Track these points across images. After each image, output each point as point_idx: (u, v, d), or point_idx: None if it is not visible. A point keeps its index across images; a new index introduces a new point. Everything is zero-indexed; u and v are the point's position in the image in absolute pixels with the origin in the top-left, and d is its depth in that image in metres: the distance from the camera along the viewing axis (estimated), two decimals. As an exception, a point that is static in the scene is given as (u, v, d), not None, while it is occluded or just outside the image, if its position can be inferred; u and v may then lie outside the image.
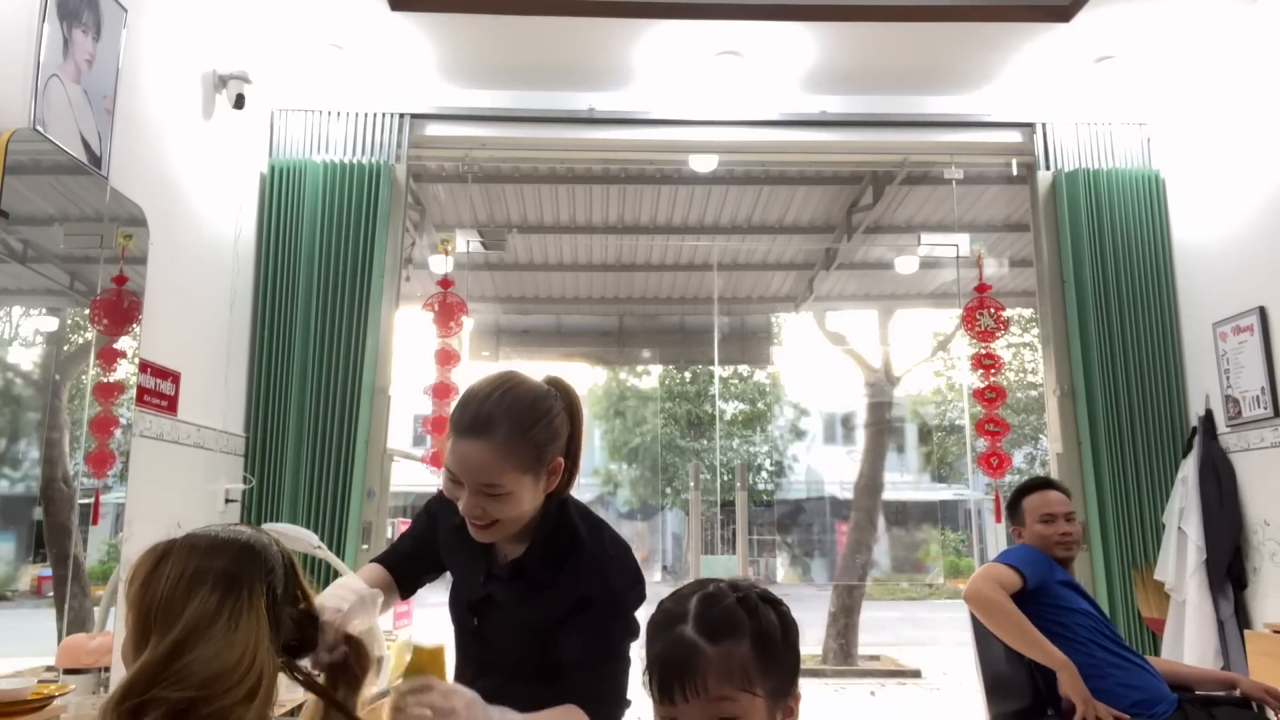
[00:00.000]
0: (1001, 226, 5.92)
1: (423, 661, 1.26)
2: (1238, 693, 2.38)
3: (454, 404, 1.39)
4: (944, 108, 3.90)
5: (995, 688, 2.51)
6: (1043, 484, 2.66)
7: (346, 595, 1.28)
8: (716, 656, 0.97)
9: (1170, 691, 2.35)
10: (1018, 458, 12.02)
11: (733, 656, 0.97)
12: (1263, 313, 3.21)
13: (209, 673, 0.99)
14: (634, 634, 1.39)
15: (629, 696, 1.37)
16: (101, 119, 2.51)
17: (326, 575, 3.24)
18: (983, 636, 2.47)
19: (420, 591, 1.69)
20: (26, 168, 2.17)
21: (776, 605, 1.05)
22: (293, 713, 2.36)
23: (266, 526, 1.35)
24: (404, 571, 1.60)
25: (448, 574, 1.61)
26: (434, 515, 1.59)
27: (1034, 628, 2.30)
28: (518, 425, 1.33)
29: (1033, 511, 2.57)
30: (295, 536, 2.93)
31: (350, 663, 1.19)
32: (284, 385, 3.51)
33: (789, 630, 1.03)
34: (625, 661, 1.38)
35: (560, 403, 1.40)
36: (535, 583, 1.41)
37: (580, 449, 1.44)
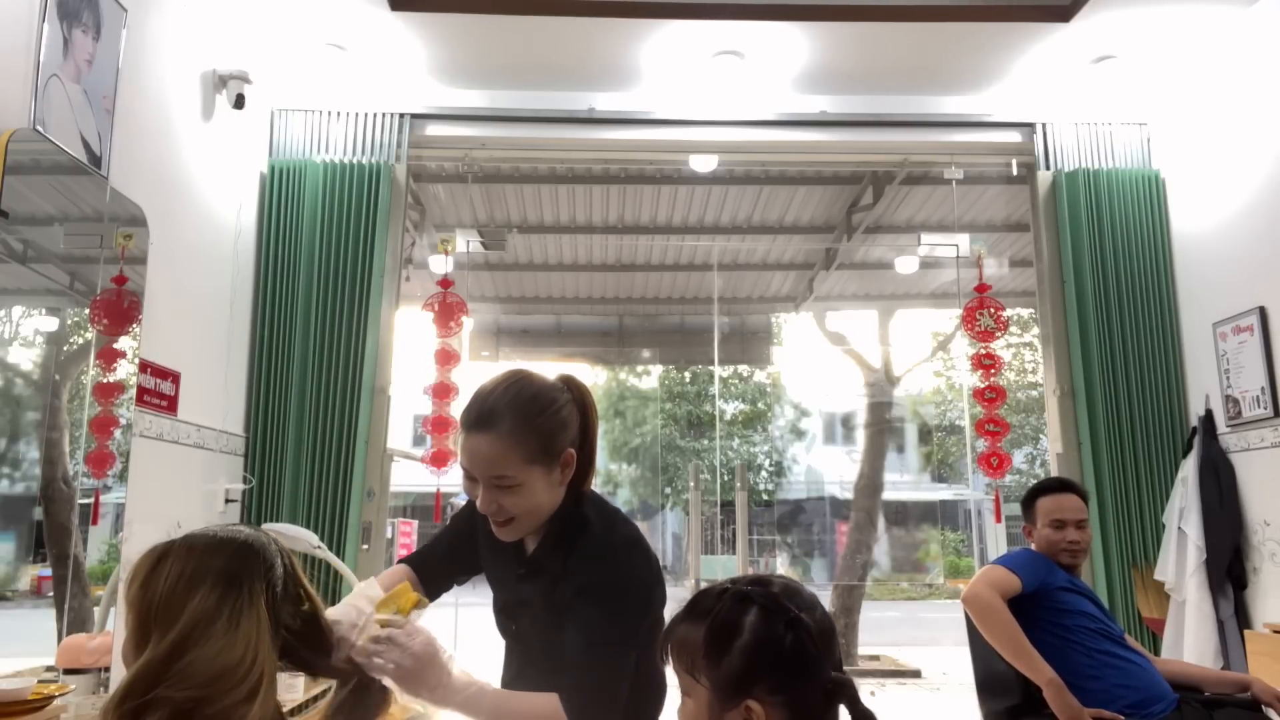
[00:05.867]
0: (1001, 226, 5.92)
1: (403, 602, 1.33)
2: (1249, 695, 2.37)
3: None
4: (944, 108, 3.90)
5: (987, 685, 2.51)
6: (1059, 486, 2.57)
7: (362, 606, 1.29)
8: (678, 633, 1.04)
9: (1172, 691, 2.35)
10: (1018, 458, 12.03)
11: (687, 637, 1.02)
12: (1263, 313, 3.21)
13: (211, 672, 0.99)
14: (631, 635, 1.36)
15: (618, 698, 1.34)
16: (101, 119, 2.51)
17: (327, 575, 3.24)
18: (976, 635, 2.47)
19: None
20: (26, 168, 2.17)
21: (763, 606, 1.00)
22: (293, 712, 2.36)
23: (266, 527, 1.36)
24: (432, 572, 1.59)
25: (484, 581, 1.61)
26: (475, 514, 1.57)
27: (1025, 639, 2.28)
28: (521, 416, 1.37)
29: (1045, 514, 2.51)
30: (295, 536, 2.92)
31: (363, 695, 1.22)
32: (284, 385, 3.51)
33: (755, 636, 0.98)
34: (612, 661, 1.34)
35: (567, 395, 1.43)
36: (551, 576, 1.42)
37: (595, 442, 1.48)
